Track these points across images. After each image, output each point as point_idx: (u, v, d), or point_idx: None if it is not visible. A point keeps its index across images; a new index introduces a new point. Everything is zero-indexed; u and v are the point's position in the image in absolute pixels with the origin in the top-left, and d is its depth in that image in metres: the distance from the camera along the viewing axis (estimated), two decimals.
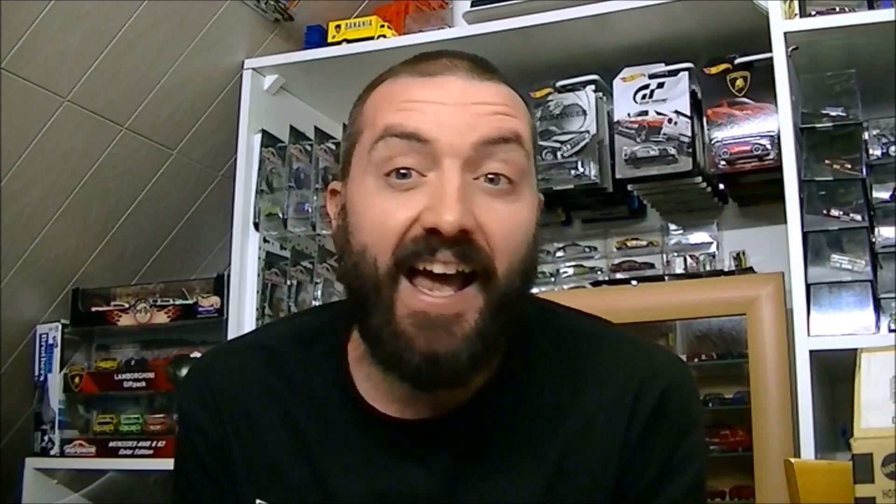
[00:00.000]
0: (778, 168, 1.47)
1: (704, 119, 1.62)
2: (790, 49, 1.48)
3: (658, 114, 1.63)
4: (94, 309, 1.94)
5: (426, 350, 0.78)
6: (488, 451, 0.85)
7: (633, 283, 1.76)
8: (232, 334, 1.77)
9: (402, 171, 0.80)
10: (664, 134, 1.62)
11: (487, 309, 0.79)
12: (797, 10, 1.50)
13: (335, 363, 0.89)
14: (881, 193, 1.49)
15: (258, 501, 0.87)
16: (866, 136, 1.52)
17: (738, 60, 1.62)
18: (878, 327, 1.39)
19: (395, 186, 0.80)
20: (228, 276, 1.82)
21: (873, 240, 1.44)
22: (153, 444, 1.83)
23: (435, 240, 0.77)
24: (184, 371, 1.83)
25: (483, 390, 0.86)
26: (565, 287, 1.86)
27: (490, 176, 0.81)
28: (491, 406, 0.86)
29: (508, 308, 0.80)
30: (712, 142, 1.60)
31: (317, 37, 1.88)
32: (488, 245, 0.79)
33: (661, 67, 1.66)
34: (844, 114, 1.49)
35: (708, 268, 1.80)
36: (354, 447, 0.86)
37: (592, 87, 1.70)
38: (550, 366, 0.88)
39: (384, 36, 1.80)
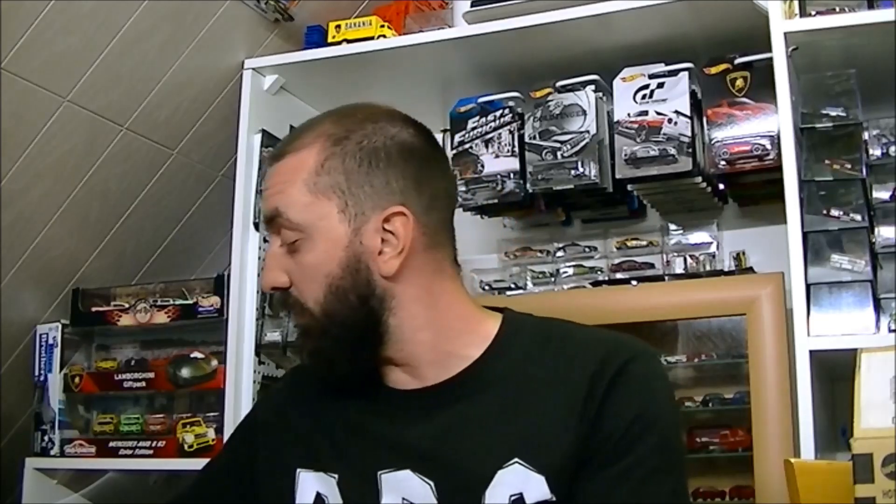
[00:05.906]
0: (778, 168, 1.47)
1: (704, 119, 1.62)
2: (790, 49, 1.48)
3: (658, 114, 1.63)
4: (94, 309, 1.94)
5: (300, 349, 1.12)
6: (471, 409, 1.02)
7: (633, 283, 1.76)
8: (232, 334, 1.78)
9: None
10: (664, 134, 1.62)
11: (317, 327, 1.03)
12: (797, 10, 1.50)
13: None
14: (881, 193, 1.48)
15: (298, 470, 1.07)
16: (866, 136, 1.52)
17: (738, 60, 1.61)
18: (878, 327, 1.39)
19: None
20: (228, 276, 1.82)
21: (873, 240, 1.44)
22: (153, 444, 1.83)
23: None
24: (183, 371, 1.85)
25: (468, 368, 1.03)
26: (565, 287, 1.86)
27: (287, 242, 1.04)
28: (475, 375, 1.03)
29: (337, 320, 1.02)
30: (712, 142, 1.60)
31: (317, 37, 1.88)
32: (298, 291, 1.04)
33: (661, 67, 1.66)
34: (844, 114, 1.49)
35: (708, 268, 1.80)
36: (363, 413, 1.07)
37: (592, 87, 1.70)
38: (530, 347, 1.04)
39: (384, 36, 1.79)
